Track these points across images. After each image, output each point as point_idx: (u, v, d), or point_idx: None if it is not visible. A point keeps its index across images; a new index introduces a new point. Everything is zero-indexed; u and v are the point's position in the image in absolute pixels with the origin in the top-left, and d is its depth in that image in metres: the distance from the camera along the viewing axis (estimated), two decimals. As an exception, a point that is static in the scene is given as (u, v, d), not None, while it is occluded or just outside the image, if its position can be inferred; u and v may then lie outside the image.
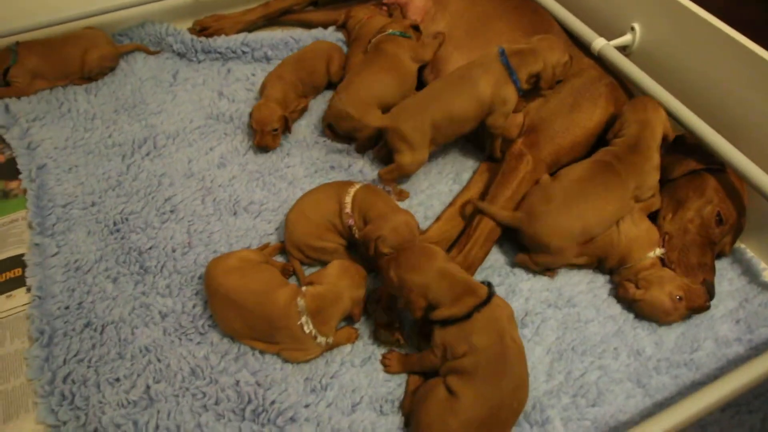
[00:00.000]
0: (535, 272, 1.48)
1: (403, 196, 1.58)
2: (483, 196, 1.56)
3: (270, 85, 1.76)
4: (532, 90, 1.56)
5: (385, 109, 1.65)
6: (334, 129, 1.71)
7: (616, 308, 1.43)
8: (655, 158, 1.44)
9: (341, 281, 1.27)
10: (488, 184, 1.57)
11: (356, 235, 1.38)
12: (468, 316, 1.09)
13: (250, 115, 1.70)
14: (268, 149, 1.70)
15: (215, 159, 1.71)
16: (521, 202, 1.46)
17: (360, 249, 1.38)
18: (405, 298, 1.13)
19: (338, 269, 1.29)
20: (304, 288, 1.27)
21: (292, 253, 1.42)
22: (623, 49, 1.71)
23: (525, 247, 1.44)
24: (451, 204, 1.58)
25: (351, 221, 1.38)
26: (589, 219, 1.38)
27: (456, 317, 1.10)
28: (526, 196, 1.46)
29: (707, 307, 1.36)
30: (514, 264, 1.49)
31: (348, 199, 1.39)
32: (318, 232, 1.40)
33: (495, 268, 1.49)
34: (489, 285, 1.15)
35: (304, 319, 1.22)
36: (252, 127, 1.71)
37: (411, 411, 1.16)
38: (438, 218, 1.54)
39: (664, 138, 1.46)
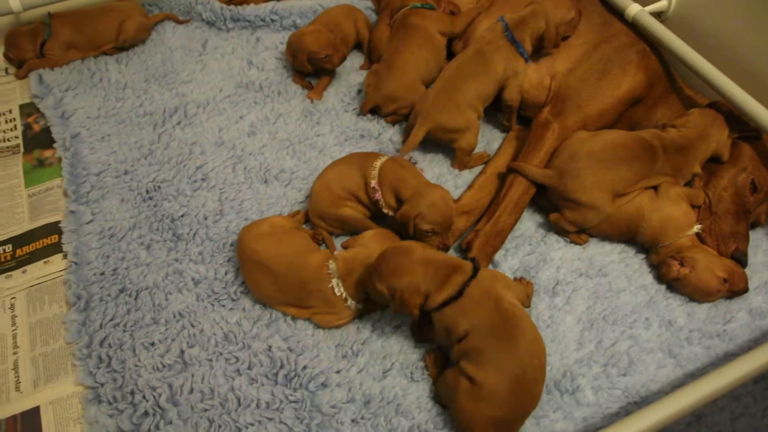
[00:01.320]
0: (566, 240, 1.44)
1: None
2: (513, 160, 1.54)
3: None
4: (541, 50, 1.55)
5: (428, 84, 1.65)
6: (375, 109, 1.70)
7: (648, 278, 1.40)
8: (696, 168, 1.42)
9: (373, 244, 1.25)
10: (517, 152, 1.55)
11: (383, 209, 1.35)
12: (459, 293, 1.08)
13: (294, 45, 1.69)
14: (330, 69, 1.69)
15: (245, 127, 1.70)
16: (551, 160, 1.44)
17: (389, 221, 1.37)
18: (399, 302, 1.11)
19: (372, 234, 1.28)
20: (336, 252, 1.27)
21: (315, 224, 1.41)
22: (658, 15, 1.67)
23: (556, 208, 1.43)
24: (482, 172, 1.55)
25: (378, 195, 1.35)
26: (615, 184, 1.36)
27: (448, 298, 1.08)
28: (557, 152, 1.43)
29: (747, 290, 1.33)
30: (545, 232, 1.47)
31: (374, 173, 1.36)
32: (341, 203, 1.38)
33: (525, 236, 1.46)
34: (473, 260, 1.13)
35: (335, 281, 1.21)
36: (295, 59, 1.71)
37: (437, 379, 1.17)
38: (470, 186, 1.52)
39: (714, 156, 1.43)
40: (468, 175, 1.59)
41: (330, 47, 1.69)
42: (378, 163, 1.37)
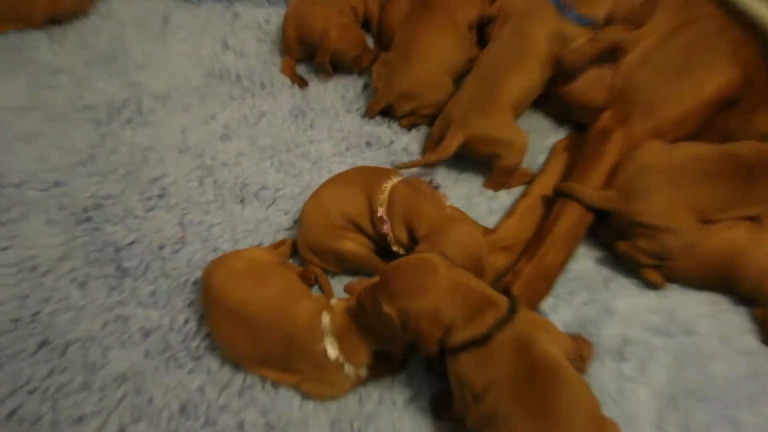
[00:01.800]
0: (637, 285, 1.42)
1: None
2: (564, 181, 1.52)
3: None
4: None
5: (455, 78, 1.66)
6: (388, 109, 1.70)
7: (751, 340, 1.35)
8: None
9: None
10: (569, 168, 1.54)
11: (393, 247, 1.36)
12: (486, 337, 1.07)
13: (301, 26, 1.71)
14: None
15: (217, 129, 1.69)
16: (615, 177, 1.43)
17: None
18: (413, 333, 1.11)
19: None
20: (333, 301, 1.25)
21: (306, 258, 1.42)
22: (760, -11, 1.56)
23: (622, 236, 1.41)
24: (524, 194, 1.53)
25: (386, 228, 1.35)
26: (699, 204, 1.35)
27: (471, 340, 1.08)
28: (621, 168, 1.42)
29: None
30: (608, 274, 1.44)
31: (383, 198, 1.35)
32: (339, 233, 1.39)
33: (582, 279, 1.43)
34: (511, 296, 1.14)
35: (328, 340, 1.20)
36: (293, 40, 1.75)
37: None
38: (509, 213, 1.50)
39: None
40: (505, 198, 1.58)
41: (360, 46, 1.73)
42: (388, 185, 1.37)
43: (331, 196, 1.41)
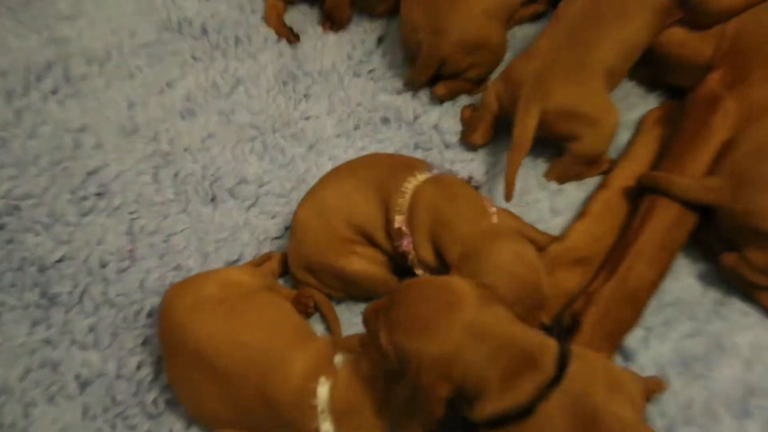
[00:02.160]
0: (763, 312, 1.37)
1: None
2: (653, 170, 1.49)
3: None
4: None
5: (506, 24, 1.64)
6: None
7: None
8: None
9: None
10: (661, 151, 1.50)
11: (415, 269, 1.34)
12: (528, 409, 1.02)
13: None
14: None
15: (177, 103, 1.67)
16: (719, 161, 1.40)
17: None
18: (412, 384, 1.07)
19: None
20: (338, 358, 1.19)
21: (299, 278, 1.41)
22: None
23: (731, 245, 1.37)
24: (602, 186, 1.49)
25: (406, 245, 1.32)
26: None
27: (509, 412, 1.03)
28: (732, 146, 1.39)
29: None
30: (720, 296, 1.39)
31: (402, 202, 1.32)
32: (344, 247, 1.37)
33: (683, 303, 1.38)
34: (560, 343, 1.10)
35: (322, 419, 1.14)
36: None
37: None
38: (582, 213, 1.47)
39: None
40: (576, 191, 1.54)
41: None
42: (411, 185, 1.33)
43: (335, 195, 1.39)
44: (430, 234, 1.31)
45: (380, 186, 1.36)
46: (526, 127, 1.46)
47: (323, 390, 1.14)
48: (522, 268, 1.23)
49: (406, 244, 1.32)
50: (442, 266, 1.30)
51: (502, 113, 1.53)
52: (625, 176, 1.49)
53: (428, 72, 1.63)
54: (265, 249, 1.47)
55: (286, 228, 1.47)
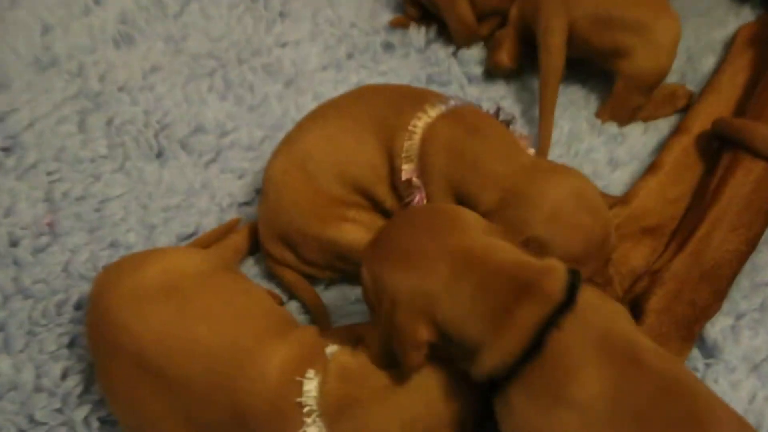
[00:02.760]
0: None
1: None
2: (741, 108, 1.50)
3: None
4: None
5: None
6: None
7: None
8: None
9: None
10: (754, 81, 1.51)
11: None
12: (535, 347, 1.03)
13: None
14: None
15: (108, 25, 1.67)
16: None
17: None
18: (386, 324, 1.10)
19: None
20: (330, 348, 1.18)
21: (272, 254, 1.41)
22: None
23: None
24: (679, 129, 1.51)
25: (417, 199, 1.33)
26: None
27: (513, 359, 1.04)
28: None
29: None
30: None
31: (411, 145, 1.33)
32: (332, 211, 1.37)
33: None
34: (572, 271, 1.10)
35: (309, 421, 1.12)
36: None
37: None
38: (653, 166, 1.48)
39: None
40: (641, 137, 1.55)
41: None
42: (421, 123, 1.34)
43: (320, 142, 1.38)
44: (450, 183, 1.31)
45: (380, 126, 1.36)
46: (550, 47, 1.50)
47: (311, 385, 1.13)
48: (586, 215, 1.24)
49: (418, 200, 1.32)
50: None
51: (527, 31, 1.56)
52: (709, 116, 1.48)
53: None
54: (229, 217, 1.46)
55: (257, 190, 1.47)
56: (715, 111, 1.51)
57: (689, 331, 1.31)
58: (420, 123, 1.32)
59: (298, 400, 1.12)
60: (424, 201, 1.33)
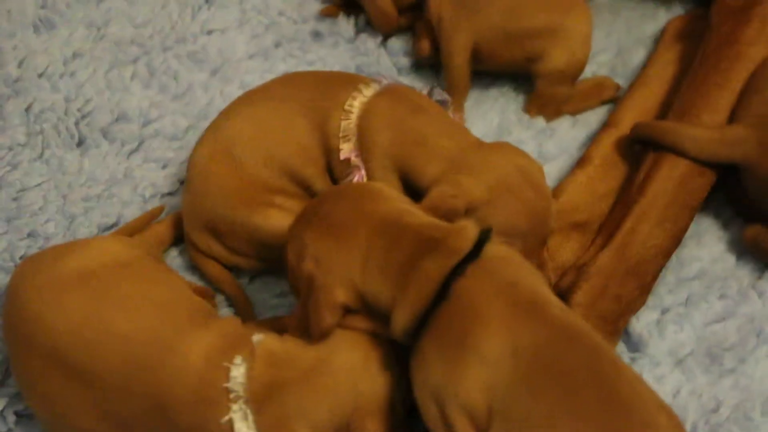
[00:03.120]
0: None
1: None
2: (667, 106, 1.51)
3: None
4: None
5: None
6: None
7: None
8: None
9: (347, 345, 1.19)
10: (683, 74, 1.52)
11: None
12: (440, 299, 1.06)
13: None
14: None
15: (28, 9, 1.68)
16: (740, 105, 1.42)
17: None
18: (305, 289, 1.14)
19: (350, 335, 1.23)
20: (257, 336, 1.17)
21: (197, 244, 1.40)
22: None
23: (759, 214, 1.41)
24: (608, 123, 1.52)
25: (357, 178, 1.33)
26: None
27: (422, 311, 1.07)
28: (757, 88, 1.42)
29: None
30: (758, 269, 1.41)
31: (347, 124, 1.34)
32: (259, 197, 1.37)
33: (711, 277, 1.40)
34: (483, 231, 1.14)
35: (236, 410, 1.11)
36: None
37: None
38: (582, 160, 1.49)
39: None
40: (570, 130, 1.56)
41: None
42: (357, 102, 1.35)
43: (247, 126, 1.38)
44: (394, 159, 1.31)
45: (311, 108, 1.36)
46: (452, 68, 1.52)
47: (238, 371, 1.13)
48: (529, 190, 1.25)
49: (357, 179, 1.33)
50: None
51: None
52: (639, 110, 1.51)
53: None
54: (151, 206, 1.45)
55: (181, 181, 1.46)
56: (643, 105, 1.53)
57: (614, 326, 1.32)
58: (356, 102, 1.33)
59: (225, 385, 1.11)
60: (363, 179, 1.33)
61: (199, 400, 1.13)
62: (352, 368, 1.16)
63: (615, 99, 1.56)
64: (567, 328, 1.05)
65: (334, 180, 1.37)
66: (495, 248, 1.12)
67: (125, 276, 1.24)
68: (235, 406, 1.11)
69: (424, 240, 1.10)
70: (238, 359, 1.13)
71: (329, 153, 1.34)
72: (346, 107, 1.33)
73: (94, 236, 1.41)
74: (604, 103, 1.56)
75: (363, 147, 1.32)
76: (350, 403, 1.14)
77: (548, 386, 1.00)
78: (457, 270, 1.07)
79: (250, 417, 1.12)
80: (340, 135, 1.33)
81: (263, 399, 1.12)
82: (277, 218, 1.33)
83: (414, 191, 1.29)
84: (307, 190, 1.38)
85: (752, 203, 1.41)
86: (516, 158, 1.28)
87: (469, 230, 1.12)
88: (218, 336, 1.18)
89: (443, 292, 1.06)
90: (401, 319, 1.08)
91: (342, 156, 1.32)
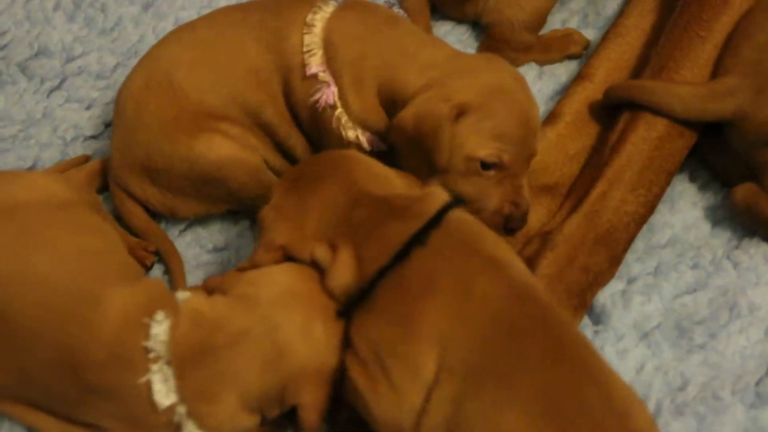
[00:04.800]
0: None
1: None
2: (645, 59, 1.52)
3: None
4: None
5: None
6: None
7: None
8: None
9: (286, 308, 1.18)
10: (658, 27, 1.54)
11: (345, 133, 1.34)
12: (394, 262, 1.08)
13: None
14: None
15: None
16: (728, 55, 1.42)
17: None
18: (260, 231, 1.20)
19: (287, 276, 1.22)
20: (182, 293, 1.20)
21: (127, 186, 1.39)
22: None
23: (742, 174, 1.41)
24: (579, 76, 1.53)
25: (327, 95, 1.32)
26: None
27: (373, 273, 1.09)
28: (742, 29, 1.42)
29: None
30: (733, 236, 1.41)
31: (311, 39, 1.33)
32: (199, 123, 1.36)
33: (682, 245, 1.39)
34: (454, 199, 1.17)
35: (156, 368, 1.11)
36: None
37: None
38: (552, 116, 1.50)
39: None
40: (535, 83, 1.57)
41: None
42: (319, 16, 1.35)
43: (190, 53, 1.38)
44: (370, 72, 1.31)
45: (262, 29, 1.36)
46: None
47: (160, 329, 1.11)
48: (521, 93, 1.27)
49: (327, 96, 1.31)
50: (388, 122, 1.32)
51: None
52: (614, 63, 1.52)
53: None
54: (74, 153, 1.46)
55: (107, 123, 1.47)
56: (619, 57, 1.54)
57: (581, 299, 1.33)
58: (317, 17, 1.33)
59: (144, 344, 1.10)
60: (334, 95, 1.31)
61: (112, 358, 1.11)
62: (289, 332, 1.13)
63: (580, 56, 1.58)
64: (523, 287, 1.06)
65: (290, 107, 1.35)
66: (460, 215, 1.13)
67: (55, 218, 1.22)
68: (154, 367, 1.09)
69: (390, 205, 1.13)
70: (159, 315, 1.11)
71: (288, 73, 1.32)
72: (307, 21, 1.32)
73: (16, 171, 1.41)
74: (569, 58, 1.58)
75: (332, 61, 1.31)
76: (285, 369, 1.13)
77: (498, 340, 1.02)
78: (419, 237, 1.08)
79: (171, 380, 1.10)
80: (304, 50, 1.31)
81: (190, 362, 1.10)
82: (222, 145, 1.33)
83: (396, 106, 1.30)
84: (255, 119, 1.36)
85: (737, 162, 1.40)
86: (506, 66, 1.30)
87: (437, 197, 1.13)
88: (141, 292, 1.16)
89: (401, 256, 1.07)
90: (343, 277, 1.09)
91: (309, 71, 1.31)
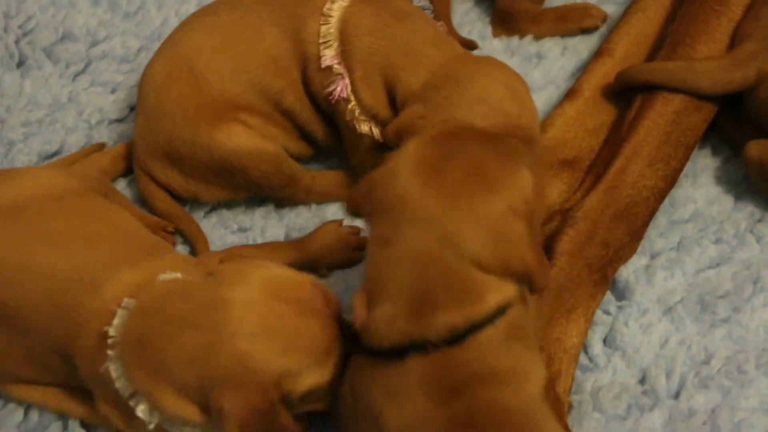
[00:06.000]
0: None
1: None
2: (664, 38, 1.50)
3: None
4: None
5: None
6: None
7: None
8: None
9: (246, 302, 1.14)
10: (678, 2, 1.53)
11: (359, 126, 1.34)
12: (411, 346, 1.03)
13: None
14: None
15: None
16: (748, 20, 1.43)
17: (357, 164, 1.44)
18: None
19: (261, 279, 1.17)
20: (166, 276, 1.20)
21: (151, 172, 1.40)
22: None
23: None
24: (600, 52, 1.52)
25: (340, 87, 1.33)
26: None
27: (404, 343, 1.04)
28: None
29: None
30: (756, 210, 1.40)
31: (327, 30, 1.34)
32: (221, 114, 1.36)
33: (705, 220, 1.40)
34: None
35: (113, 356, 1.11)
36: None
37: None
38: (572, 92, 1.48)
39: None
40: (559, 58, 1.58)
41: None
42: (336, 6, 1.35)
43: (211, 39, 1.38)
44: (378, 68, 1.31)
45: (282, 15, 1.36)
46: None
47: (122, 314, 1.12)
48: (512, 104, 1.25)
49: (341, 88, 1.32)
50: (393, 116, 1.33)
51: None
52: (634, 38, 1.51)
53: None
54: (100, 138, 1.46)
55: (131, 107, 1.47)
56: (640, 32, 1.52)
57: (602, 274, 1.33)
58: (335, 6, 1.33)
59: (104, 329, 1.10)
60: (347, 89, 1.32)
61: (96, 346, 1.12)
62: (236, 330, 1.08)
63: (596, 29, 1.58)
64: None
65: (309, 94, 1.35)
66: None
67: (57, 211, 1.23)
68: (112, 353, 1.10)
69: (452, 288, 1.05)
70: (129, 302, 1.12)
71: (305, 62, 1.33)
72: (324, 11, 1.33)
73: (35, 165, 1.41)
74: (584, 31, 1.58)
75: (346, 54, 1.32)
76: (221, 370, 1.08)
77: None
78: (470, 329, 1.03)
79: (121, 369, 1.11)
80: (320, 41, 1.32)
81: (138, 349, 1.11)
82: (242, 135, 1.34)
83: (396, 105, 1.30)
84: (276, 106, 1.37)
85: (755, 136, 1.39)
86: (500, 72, 1.28)
87: (497, 297, 1.05)
88: (140, 275, 1.16)
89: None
90: (397, 330, 1.03)
91: (323, 63, 1.32)
